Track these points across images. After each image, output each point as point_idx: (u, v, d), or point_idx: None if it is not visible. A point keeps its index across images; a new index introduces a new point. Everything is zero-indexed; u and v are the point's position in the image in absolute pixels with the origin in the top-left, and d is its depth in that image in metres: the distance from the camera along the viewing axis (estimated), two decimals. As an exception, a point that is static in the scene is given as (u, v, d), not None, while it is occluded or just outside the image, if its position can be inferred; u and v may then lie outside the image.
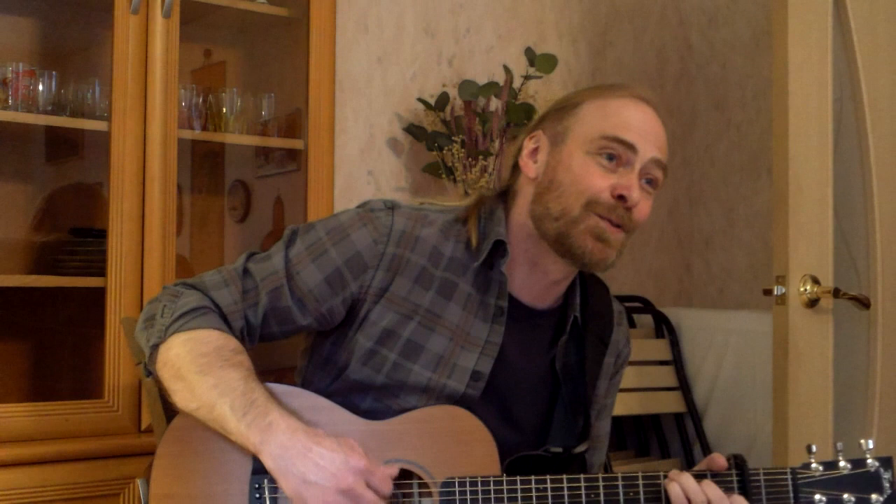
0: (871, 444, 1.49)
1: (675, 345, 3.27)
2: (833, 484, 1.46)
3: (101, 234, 2.18)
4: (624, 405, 3.14)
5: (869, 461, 1.48)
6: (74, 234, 2.32)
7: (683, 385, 3.24)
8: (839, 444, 1.50)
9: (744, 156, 3.45)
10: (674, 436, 3.24)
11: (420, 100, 2.91)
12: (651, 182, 1.47)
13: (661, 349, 3.28)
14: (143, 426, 2.15)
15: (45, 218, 2.42)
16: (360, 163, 2.92)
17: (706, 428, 3.18)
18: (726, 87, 3.53)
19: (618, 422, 3.22)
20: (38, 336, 2.36)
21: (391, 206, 1.51)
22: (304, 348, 1.59)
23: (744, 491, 1.44)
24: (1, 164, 2.37)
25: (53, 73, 2.21)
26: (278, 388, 1.41)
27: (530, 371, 1.54)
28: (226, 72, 2.65)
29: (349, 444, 1.33)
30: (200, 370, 1.35)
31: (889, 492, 1.47)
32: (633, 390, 3.18)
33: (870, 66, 2.63)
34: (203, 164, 2.61)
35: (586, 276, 1.59)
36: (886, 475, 1.48)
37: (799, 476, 1.47)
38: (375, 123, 2.95)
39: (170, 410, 1.65)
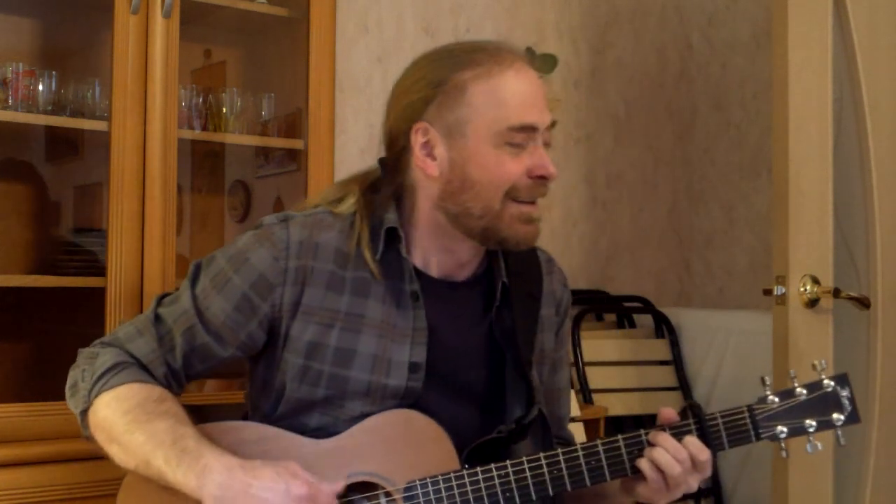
0: (824, 364, 1.47)
1: (675, 345, 3.27)
2: (793, 412, 1.44)
3: (101, 234, 2.18)
4: (624, 405, 3.14)
5: (825, 381, 1.45)
6: (74, 234, 2.32)
7: (683, 385, 3.24)
8: (792, 372, 1.48)
9: (744, 156, 3.45)
10: (674, 436, 3.24)
11: (420, 100, 2.91)
12: (547, 144, 1.46)
13: (661, 349, 3.28)
14: (143, 426, 2.15)
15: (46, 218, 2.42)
16: (360, 163, 2.91)
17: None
18: (726, 87, 3.53)
19: (618, 422, 3.22)
20: (38, 336, 2.35)
21: (284, 219, 1.48)
22: (247, 373, 1.57)
23: (703, 437, 1.42)
24: (1, 164, 2.37)
25: (53, 73, 2.21)
26: (222, 425, 1.41)
27: (468, 345, 1.51)
28: (226, 72, 2.65)
29: (290, 470, 1.32)
30: (127, 429, 1.36)
31: (849, 408, 1.45)
32: (633, 390, 3.18)
33: (870, 66, 2.62)
34: (203, 164, 2.61)
35: None
36: (844, 392, 1.45)
37: (757, 412, 1.44)
38: (375, 123, 2.94)
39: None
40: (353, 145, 2.90)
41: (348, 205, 1.50)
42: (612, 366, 3.17)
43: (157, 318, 1.47)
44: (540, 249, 1.61)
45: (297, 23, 2.47)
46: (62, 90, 2.24)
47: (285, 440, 1.42)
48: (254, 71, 2.67)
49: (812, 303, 2.42)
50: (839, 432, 1.47)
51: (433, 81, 1.45)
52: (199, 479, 1.30)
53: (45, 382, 2.32)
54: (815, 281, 2.42)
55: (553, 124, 1.48)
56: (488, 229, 1.43)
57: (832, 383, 1.45)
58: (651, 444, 1.41)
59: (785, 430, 1.43)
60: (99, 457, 2.05)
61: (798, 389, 1.45)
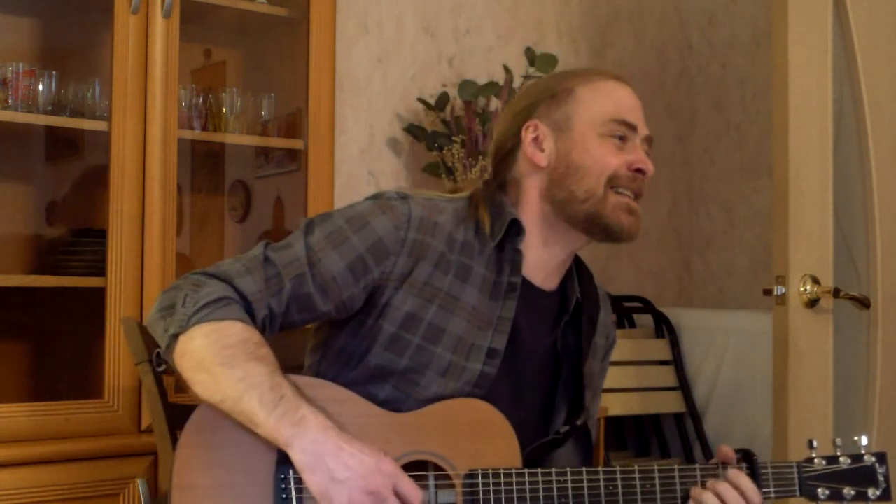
0: (864, 441, 1.58)
1: (675, 345, 3.27)
2: (835, 478, 1.56)
3: (101, 234, 2.18)
4: (624, 405, 3.14)
5: (866, 456, 1.57)
6: (74, 234, 2.32)
7: (683, 385, 3.24)
8: (837, 441, 1.59)
9: (744, 156, 3.45)
10: (674, 436, 3.24)
11: (420, 100, 2.92)
12: (647, 153, 1.59)
13: (661, 349, 3.28)
14: (143, 426, 2.15)
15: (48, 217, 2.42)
16: (360, 163, 2.92)
17: (706, 428, 3.18)
18: (726, 87, 3.53)
19: (618, 422, 3.23)
20: (38, 336, 2.36)
21: (405, 196, 1.54)
22: (314, 345, 1.59)
23: (753, 481, 1.51)
24: (1, 164, 2.37)
25: (53, 73, 2.21)
26: (300, 379, 1.41)
27: (537, 351, 1.58)
28: (226, 72, 2.65)
29: (378, 449, 1.35)
30: (225, 362, 1.34)
31: (884, 486, 1.57)
32: (633, 390, 3.18)
33: (870, 66, 2.62)
34: (203, 164, 2.61)
35: (577, 259, 1.65)
36: (881, 470, 1.57)
37: (804, 470, 1.56)
38: (375, 123, 2.95)
39: (170, 410, 1.66)
40: (353, 145, 2.90)
41: (462, 195, 1.59)
42: (611, 365, 3.16)
43: (267, 260, 1.47)
44: (599, 286, 1.70)
45: (297, 23, 2.47)
46: (62, 90, 2.24)
47: (358, 405, 1.43)
48: (254, 71, 2.67)
49: (812, 303, 2.42)
50: None
51: (543, 90, 1.59)
52: (294, 428, 1.31)
53: (45, 382, 2.33)
54: (815, 281, 2.42)
55: (651, 141, 1.60)
56: (592, 214, 1.52)
57: (873, 459, 1.58)
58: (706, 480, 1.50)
59: (827, 492, 1.56)
60: (99, 457, 2.07)
61: (842, 458, 1.57)
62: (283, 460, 1.34)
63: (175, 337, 1.39)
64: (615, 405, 3.07)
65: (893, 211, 2.66)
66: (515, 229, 1.53)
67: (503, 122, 1.63)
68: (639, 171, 1.53)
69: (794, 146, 2.40)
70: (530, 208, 1.56)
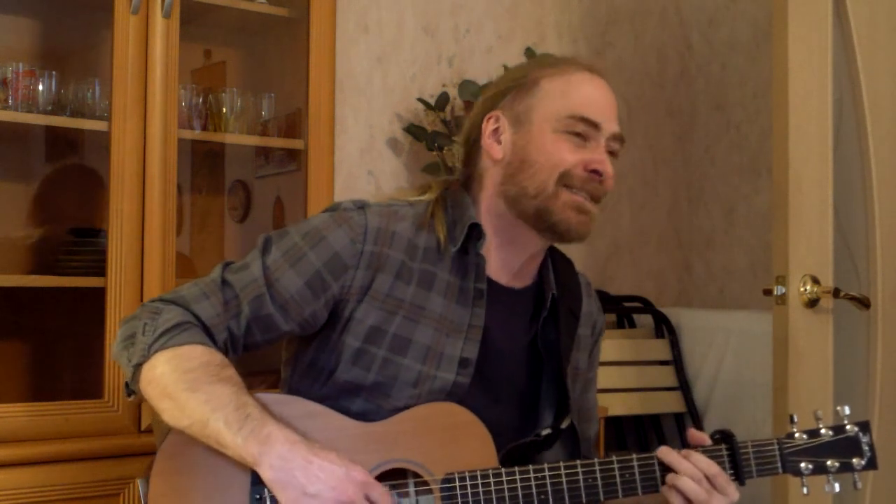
0: (847, 411, 1.55)
1: (675, 345, 3.27)
2: (817, 451, 1.52)
3: (102, 234, 2.18)
4: (624, 405, 3.14)
5: (848, 426, 1.54)
6: (74, 234, 2.32)
7: (683, 385, 3.24)
8: (818, 412, 1.55)
9: (744, 156, 3.45)
10: (674, 436, 3.24)
11: (420, 100, 2.92)
12: (612, 153, 1.53)
13: (661, 349, 3.28)
14: (143, 426, 2.15)
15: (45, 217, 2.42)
16: (360, 163, 2.92)
17: (706, 428, 3.18)
18: (726, 87, 3.53)
19: (618, 422, 3.23)
20: (38, 336, 2.35)
21: (361, 206, 1.51)
22: (286, 358, 1.58)
23: (734, 464, 1.49)
24: (1, 164, 2.37)
25: (53, 73, 2.21)
26: (268, 397, 1.40)
27: (513, 352, 1.56)
28: (226, 72, 2.65)
29: (348, 457, 1.33)
30: (189, 387, 1.34)
31: (869, 454, 1.53)
32: (633, 390, 3.18)
33: (870, 66, 2.62)
34: (203, 164, 2.61)
35: (553, 252, 1.62)
36: (865, 439, 1.54)
37: (785, 446, 1.52)
38: (375, 123, 2.95)
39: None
40: (353, 145, 2.90)
41: (426, 198, 1.55)
42: (612, 366, 3.17)
43: (225, 283, 1.46)
44: (581, 273, 1.67)
45: (297, 23, 2.47)
46: (62, 90, 2.24)
47: (330, 419, 1.42)
48: (254, 71, 2.67)
49: (812, 303, 2.42)
50: (856, 476, 1.55)
51: (512, 79, 1.55)
52: (261, 446, 1.30)
53: (45, 382, 2.33)
54: (815, 281, 2.42)
55: (622, 140, 1.53)
56: (541, 210, 1.47)
57: (856, 428, 1.54)
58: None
59: (810, 466, 1.52)
60: (99, 457, 2.07)
61: (823, 430, 1.53)
62: (258, 480, 1.33)
63: (138, 366, 1.39)
64: (615, 405, 3.07)
65: (893, 211, 2.66)
66: (476, 233, 1.50)
67: (476, 106, 1.59)
68: (595, 172, 1.48)
69: (794, 146, 2.40)
70: (487, 205, 1.53)
